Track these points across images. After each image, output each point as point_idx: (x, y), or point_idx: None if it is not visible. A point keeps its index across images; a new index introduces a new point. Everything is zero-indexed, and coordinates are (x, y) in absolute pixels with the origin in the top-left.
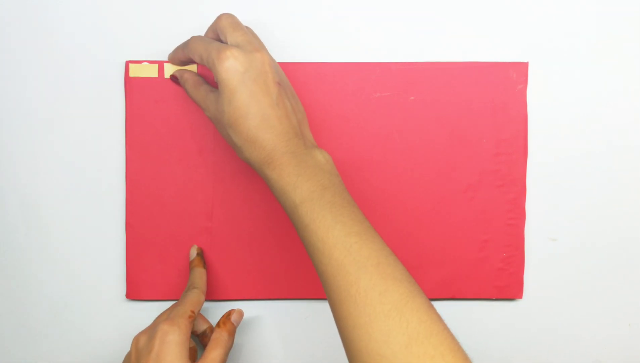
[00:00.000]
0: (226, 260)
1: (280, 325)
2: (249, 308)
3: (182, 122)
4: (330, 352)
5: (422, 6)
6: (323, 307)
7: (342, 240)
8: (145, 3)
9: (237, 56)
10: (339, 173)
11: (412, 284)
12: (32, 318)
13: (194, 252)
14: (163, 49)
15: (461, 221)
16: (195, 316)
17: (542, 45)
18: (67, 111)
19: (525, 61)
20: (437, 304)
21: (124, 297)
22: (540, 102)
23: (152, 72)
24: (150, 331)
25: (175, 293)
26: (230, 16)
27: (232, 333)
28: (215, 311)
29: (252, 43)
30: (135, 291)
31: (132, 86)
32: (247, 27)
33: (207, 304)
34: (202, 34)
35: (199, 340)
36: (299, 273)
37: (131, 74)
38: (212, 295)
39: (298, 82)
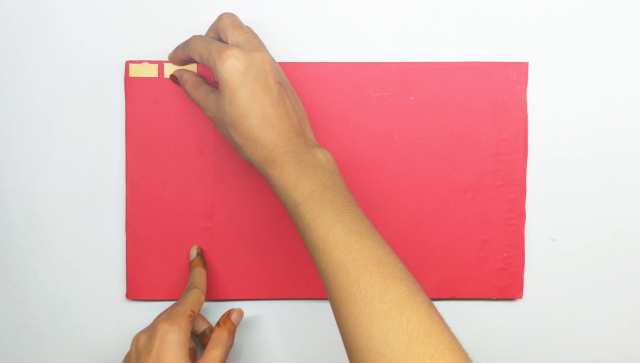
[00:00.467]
0: (226, 260)
1: (280, 325)
2: (249, 308)
3: (182, 122)
4: (330, 352)
5: (423, 6)
6: (323, 307)
7: (342, 239)
8: (145, 3)
9: (238, 55)
10: (340, 172)
11: (412, 283)
12: (32, 318)
13: (194, 252)
14: (163, 49)
15: (461, 221)
16: (196, 315)
17: (542, 45)
18: (67, 111)
19: (525, 61)
20: (437, 304)
21: (124, 297)
22: (540, 102)
23: (152, 72)
24: (150, 330)
25: (175, 293)
26: (231, 15)
27: (232, 333)
28: (215, 311)
29: (253, 43)
30: (135, 291)
31: (132, 86)
32: (247, 27)
33: (207, 304)
34: (202, 33)
35: (198, 341)
36: (299, 273)
37: (131, 74)
38: (212, 295)
39: (298, 82)
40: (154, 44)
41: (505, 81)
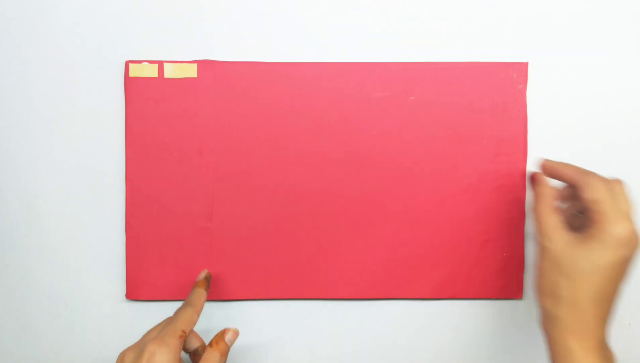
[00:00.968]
0: (226, 260)
1: (280, 325)
2: (249, 308)
3: (182, 122)
4: (330, 352)
5: (423, 6)
6: (323, 307)
7: None
8: (145, 3)
9: (632, 230)
10: None
11: None
12: (32, 318)
13: (202, 275)
14: (163, 49)
15: (461, 221)
16: (187, 336)
17: (542, 45)
18: (67, 110)
19: (525, 61)
20: (437, 304)
21: (124, 297)
22: (540, 102)
23: (152, 72)
24: (138, 349)
25: (175, 293)
26: None
27: (224, 354)
28: (215, 311)
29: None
30: (135, 291)
31: (132, 86)
32: None
33: (206, 304)
34: (202, 33)
35: (190, 358)
36: (299, 273)
37: (131, 74)
38: (212, 295)
39: (298, 82)
40: (154, 44)
41: (505, 81)
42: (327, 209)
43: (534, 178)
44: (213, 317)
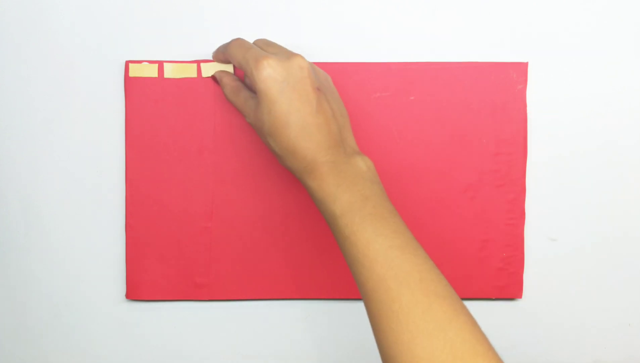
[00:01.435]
0: (226, 260)
1: (281, 325)
2: (249, 308)
3: (182, 122)
4: (330, 352)
5: (422, 6)
6: (323, 307)
7: (383, 254)
8: (145, 3)
9: (275, 65)
10: (380, 180)
11: (456, 301)
12: (32, 318)
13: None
14: (163, 49)
15: (461, 221)
16: None
17: (542, 45)
18: (67, 110)
19: (525, 61)
20: None
21: (124, 297)
22: (540, 102)
23: (152, 72)
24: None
25: (175, 293)
26: (242, 40)
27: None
28: (215, 311)
29: (288, 51)
30: (135, 291)
31: (132, 86)
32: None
33: (206, 304)
34: (202, 33)
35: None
36: (299, 273)
37: (131, 74)
38: (212, 296)
39: None
40: (154, 44)
41: (505, 81)
42: None
43: (214, 78)
44: (213, 317)
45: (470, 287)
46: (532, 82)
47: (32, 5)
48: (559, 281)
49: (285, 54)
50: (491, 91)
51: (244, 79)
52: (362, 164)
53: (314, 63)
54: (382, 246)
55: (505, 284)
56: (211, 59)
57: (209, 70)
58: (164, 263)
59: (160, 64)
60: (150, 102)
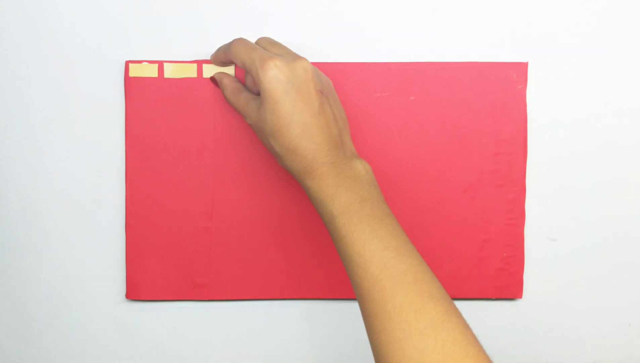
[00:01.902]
0: (226, 260)
1: (281, 325)
2: (249, 308)
3: (182, 122)
4: (330, 352)
5: (422, 6)
6: (323, 307)
7: (379, 254)
8: (145, 3)
9: (280, 66)
10: (377, 184)
11: (448, 302)
12: (32, 318)
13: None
14: (163, 49)
15: (461, 221)
16: None
17: (542, 45)
18: (67, 110)
19: (525, 61)
20: None
21: (124, 297)
22: (540, 102)
23: (152, 72)
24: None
25: (175, 293)
26: (243, 39)
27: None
28: (215, 311)
29: (292, 52)
30: (135, 291)
31: (132, 86)
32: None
33: (206, 305)
34: (202, 33)
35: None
36: (299, 273)
37: (131, 74)
38: (211, 296)
39: None
40: (154, 44)
41: (505, 81)
42: None
43: (212, 80)
44: (213, 317)
45: (470, 287)
46: (532, 82)
47: (32, 5)
48: (559, 281)
49: (290, 56)
50: (491, 91)
51: (244, 81)
52: (361, 167)
53: (314, 63)
54: (378, 247)
55: (505, 284)
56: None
57: (209, 70)
58: (164, 263)
59: (160, 64)
60: (150, 102)
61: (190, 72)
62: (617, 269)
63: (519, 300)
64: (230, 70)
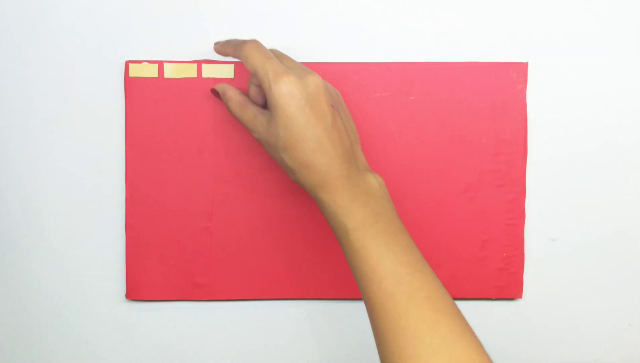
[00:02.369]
0: (226, 260)
1: (281, 325)
2: (249, 308)
3: (182, 122)
4: (330, 352)
5: (422, 6)
6: (323, 307)
7: (393, 270)
8: (145, 3)
9: (294, 82)
10: (390, 198)
11: (461, 319)
12: (32, 318)
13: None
14: (163, 49)
15: (461, 221)
16: None
17: (542, 45)
18: (67, 110)
19: (525, 61)
20: None
21: (124, 297)
22: (540, 102)
23: (152, 72)
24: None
25: (175, 293)
26: (259, 44)
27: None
28: (215, 311)
29: (302, 66)
30: (135, 291)
31: (132, 86)
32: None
33: (206, 304)
34: (202, 33)
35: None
36: (299, 273)
37: (131, 74)
38: (211, 296)
39: None
40: (154, 44)
41: (505, 81)
42: None
43: (213, 92)
44: (213, 317)
45: (471, 287)
46: (532, 82)
47: (32, 5)
48: (559, 281)
49: (301, 71)
50: (491, 91)
51: (248, 91)
52: (374, 181)
53: (315, 63)
54: (392, 262)
55: (505, 284)
56: (212, 59)
57: (209, 70)
58: (164, 263)
59: (160, 64)
60: (150, 102)
61: (190, 72)
62: (617, 269)
63: (519, 300)
64: (228, 69)
